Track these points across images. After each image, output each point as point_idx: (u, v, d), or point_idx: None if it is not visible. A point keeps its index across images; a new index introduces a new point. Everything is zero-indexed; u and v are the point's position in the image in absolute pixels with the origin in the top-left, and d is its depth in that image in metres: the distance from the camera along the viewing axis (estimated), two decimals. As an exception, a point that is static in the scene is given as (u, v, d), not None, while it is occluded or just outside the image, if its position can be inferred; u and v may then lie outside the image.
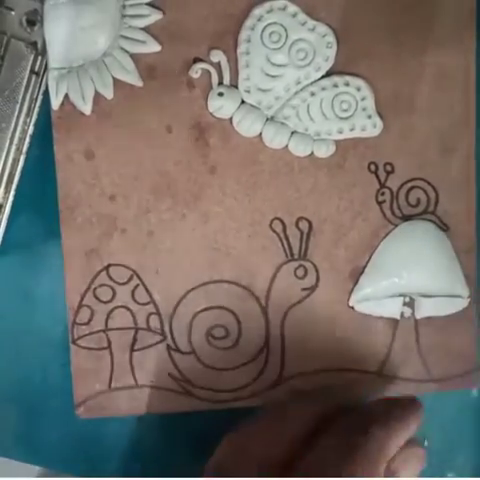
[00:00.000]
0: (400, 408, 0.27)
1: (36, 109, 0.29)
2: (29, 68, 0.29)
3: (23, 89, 0.29)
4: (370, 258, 0.30)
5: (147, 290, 0.30)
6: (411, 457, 0.26)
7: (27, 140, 0.29)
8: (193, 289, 0.30)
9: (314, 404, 0.28)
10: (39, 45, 0.29)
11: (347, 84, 0.29)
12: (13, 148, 0.29)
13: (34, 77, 0.29)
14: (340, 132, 0.29)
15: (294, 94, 0.29)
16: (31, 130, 0.29)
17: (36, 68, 0.29)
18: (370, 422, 0.25)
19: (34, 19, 0.29)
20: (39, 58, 0.29)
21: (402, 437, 0.26)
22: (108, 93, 0.28)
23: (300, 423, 0.26)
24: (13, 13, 0.29)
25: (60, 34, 0.28)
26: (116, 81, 0.28)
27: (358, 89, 0.29)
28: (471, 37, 0.29)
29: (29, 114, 0.29)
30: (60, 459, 0.31)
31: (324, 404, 0.28)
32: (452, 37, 0.29)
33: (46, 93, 0.29)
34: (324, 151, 0.29)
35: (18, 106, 0.29)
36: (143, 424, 0.31)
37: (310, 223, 0.30)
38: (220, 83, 0.29)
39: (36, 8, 0.29)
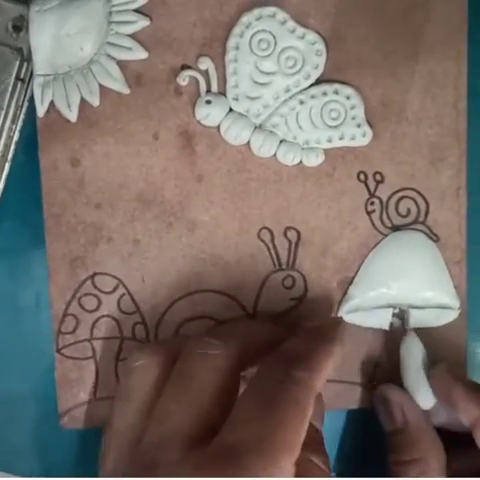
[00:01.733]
0: (321, 339, 0.25)
1: (22, 116, 0.30)
2: (14, 74, 0.29)
3: (8, 96, 0.29)
4: (359, 268, 0.30)
5: (133, 299, 0.30)
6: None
7: (12, 147, 0.30)
8: (179, 299, 0.30)
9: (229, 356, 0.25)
10: (25, 51, 0.29)
11: (336, 92, 0.29)
12: (-2, 155, 0.29)
13: (20, 84, 0.29)
14: (329, 141, 0.29)
15: (283, 102, 0.29)
16: (16, 137, 0.30)
17: (22, 75, 0.29)
18: (290, 365, 0.24)
19: (20, 25, 0.29)
20: (25, 65, 0.29)
21: (327, 370, 0.24)
22: (94, 100, 0.29)
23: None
24: (-2, 19, 0.29)
25: (45, 40, 0.28)
26: (102, 88, 0.29)
27: (348, 97, 0.29)
28: (463, 45, 0.29)
29: (14, 121, 0.30)
30: (44, 469, 0.31)
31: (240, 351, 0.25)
32: (443, 45, 0.29)
33: (32, 100, 0.29)
34: (313, 160, 0.29)
35: (3, 113, 0.29)
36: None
37: (298, 233, 0.30)
38: (208, 91, 0.29)
39: (22, 14, 0.29)
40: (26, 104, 0.30)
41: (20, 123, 0.30)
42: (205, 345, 0.25)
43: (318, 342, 0.25)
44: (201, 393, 0.24)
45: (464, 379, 0.29)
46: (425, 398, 0.29)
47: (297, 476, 0.22)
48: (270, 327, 0.28)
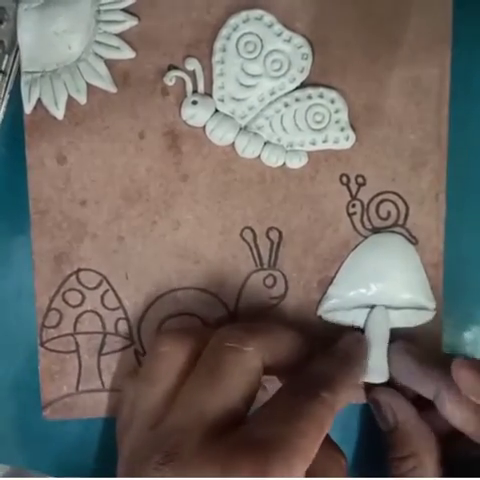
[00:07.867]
0: (347, 364, 0.31)
1: (3, 109, 0.33)
2: (-4, 67, 0.32)
3: (-10, 89, 0.32)
4: (339, 269, 0.34)
5: (116, 295, 0.33)
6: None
7: (-5, 140, 0.33)
8: (162, 295, 0.33)
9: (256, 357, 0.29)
10: (6, 44, 0.32)
11: (321, 96, 0.32)
12: (-19, 149, 0.32)
13: (1, 76, 0.32)
14: (313, 144, 0.33)
15: (268, 104, 0.32)
16: (-2, 129, 0.33)
17: (3, 67, 0.32)
18: (319, 385, 0.28)
19: (1, 17, 0.32)
20: (6, 57, 0.32)
21: (349, 393, 0.29)
22: (81, 98, 0.32)
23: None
24: (-19, 12, 0.32)
25: (33, 38, 0.31)
26: (90, 87, 0.32)
27: (332, 101, 0.32)
28: (446, 52, 0.33)
29: (-4, 114, 0.33)
30: (26, 458, 0.35)
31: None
32: (427, 52, 0.33)
33: (13, 93, 0.32)
34: (296, 162, 0.33)
35: (-15, 106, 0.32)
36: (108, 425, 0.35)
37: (280, 233, 0.33)
38: (194, 91, 0.32)
39: (3, 6, 0.32)
40: (7, 96, 0.33)
41: (1, 116, 0.33)
42: (236, 339, 0.28)
43: (344, 367, 0.30)
44: (230, 386, 0.27)
45: (420, 356, 0.33)
46: (380, 374, 0.33)
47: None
48: (294, 335, 0.31)
